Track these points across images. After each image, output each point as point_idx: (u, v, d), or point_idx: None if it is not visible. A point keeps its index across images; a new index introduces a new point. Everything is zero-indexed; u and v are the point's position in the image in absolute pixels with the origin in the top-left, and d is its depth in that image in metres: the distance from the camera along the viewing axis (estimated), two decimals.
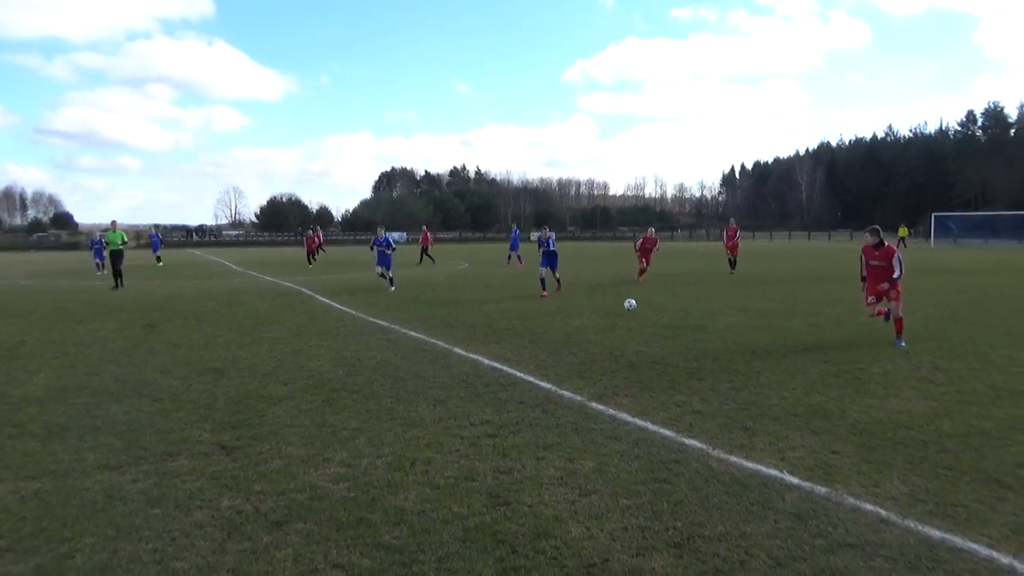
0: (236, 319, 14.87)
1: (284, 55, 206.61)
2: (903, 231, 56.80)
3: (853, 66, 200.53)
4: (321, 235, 44.19)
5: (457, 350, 10.72)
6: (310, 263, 35.95)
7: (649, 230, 25.26)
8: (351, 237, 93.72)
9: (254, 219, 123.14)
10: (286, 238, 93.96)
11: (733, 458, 5.67)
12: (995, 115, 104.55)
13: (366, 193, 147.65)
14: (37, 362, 10.19)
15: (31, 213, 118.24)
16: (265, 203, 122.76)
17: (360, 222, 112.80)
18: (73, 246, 74.52)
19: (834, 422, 6.66)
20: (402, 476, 5.37)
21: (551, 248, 19.71)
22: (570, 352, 10.44)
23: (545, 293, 18.96)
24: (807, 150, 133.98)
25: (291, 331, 12.98)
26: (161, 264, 38.62)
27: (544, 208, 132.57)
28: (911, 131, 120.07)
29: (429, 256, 36.37)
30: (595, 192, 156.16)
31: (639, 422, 6.73)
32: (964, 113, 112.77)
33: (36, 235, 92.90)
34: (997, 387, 7.93)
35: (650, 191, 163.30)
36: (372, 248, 21.73)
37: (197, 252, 65.11)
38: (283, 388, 8.33)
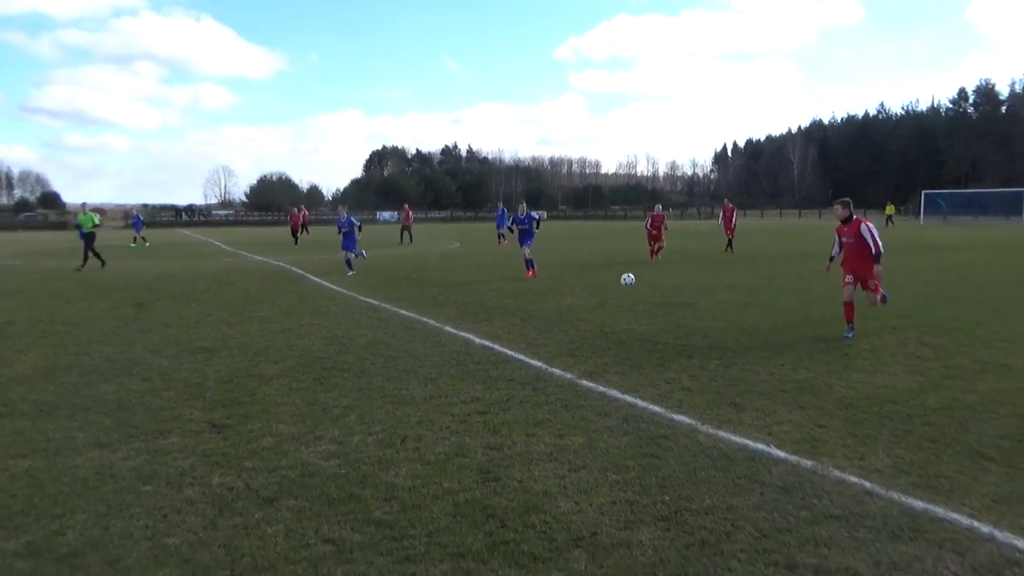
0: (226, 299, 14.83)
1: (273, 32, 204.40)
2: (890, 209, 56.85)
3: (846, 43, 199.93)
4: (307, 214, 43.85)
5: (448, 328, 10.74)
6: (295, 242, 35.76)
7: (656, 207, 24.69)
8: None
9: (244, 199, 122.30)
10: (276, 218, 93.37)
11: (721, 433, 5.73)
12: (986, 92, 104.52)
13: (357, 172, 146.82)
14: (25, 341, 10.16)
15: (18, 192, 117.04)
16: (255, 182, 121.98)
17: (351, 201, 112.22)
18: (61, 226, 73.88)
19: (821, 397, 6.73)
20: (393, 453, 5.40)
21: (527, 226, 18.87)
22: (561, 330, 10.48)
23: (530, 273, 18.31)
24: (799, 128, 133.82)
25: (282, 310, 12.96)
26: (145, 244, 38.05)
27: (536, 187, 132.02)
28: (903, 108, 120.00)
29: (409, 235, 36.32)
30: (587, 170, 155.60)
31: (629, 398, 6.78)
32: (956, 90, 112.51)
33: (23, 215, 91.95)
34: (983, 362, 8.02)
35: (642, 169, 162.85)
36: (339, 231, 20.30)
37: (186, 232, 64.73)
38: (274, 367, 8.34)
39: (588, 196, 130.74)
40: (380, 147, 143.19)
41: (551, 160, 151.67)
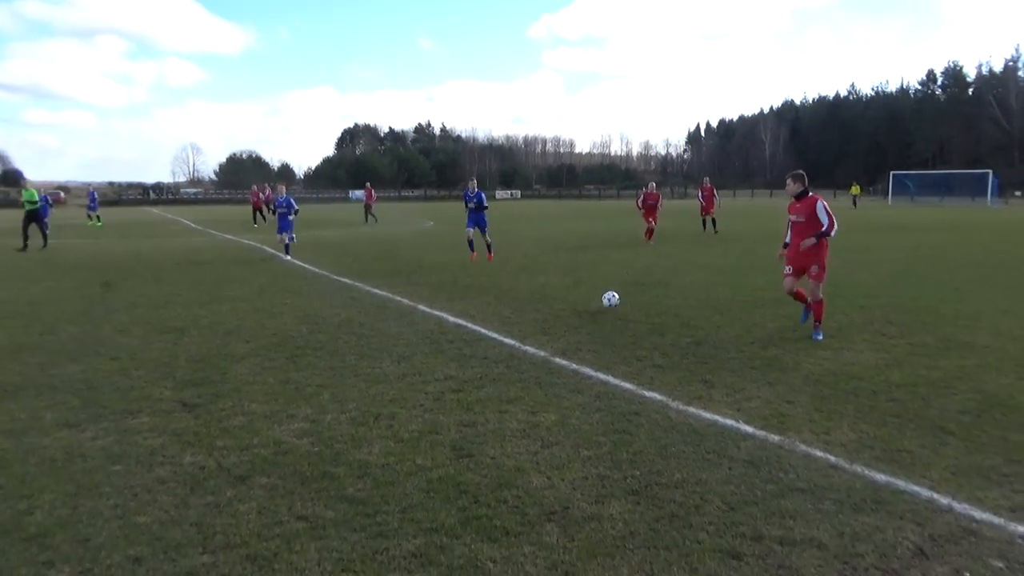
0: (196, 278, 14.64)
1: (242, 7, 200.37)
2: (855, 189, 57.52)
3: (818, 23, 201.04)
4: (270, 194, 42.78)
5: (422, 307, 10.73)
6: (255, 222, 34.14)
7: (650, 185, 23.47)
8: (314, 195, 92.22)
9: (213, 176, 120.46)
10: (246, 196, 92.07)
11: (691, 409, 5.82)
12: (954, 75, 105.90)
13: (329, 150, 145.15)
14: None
15: None
16: (224, 160, 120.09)
17: (323, 180, 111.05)
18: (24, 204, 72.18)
19: (789, 374, 6.85)
20: (366, 431, 5.41)
21: (480, 204, 17.23)
22: (534, 309, 10.52)
23: (475, 256, 17.05)
24: (771, 108, 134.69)
25: (253, 289, 12.83)
26: (98, 224, 36.89)
27: (510, 166, 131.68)
28: (873, 90, 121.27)
29: (372, 215, 35.92)
30: (561, 150, 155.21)
31: (601, 376, 6.84)
32: (924, 72, 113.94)
33: None
34: (946, 339, 8.21)
35: (616, 149, 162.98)
36: (273, 212, 18.95)
37: (154, 210, 63.65)
38: (245, 346, 8.27)
39: (562, 175, 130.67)
40: (352, 125, 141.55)
41: (525, 139, 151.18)
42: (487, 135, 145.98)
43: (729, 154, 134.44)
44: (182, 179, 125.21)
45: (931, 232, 26.51)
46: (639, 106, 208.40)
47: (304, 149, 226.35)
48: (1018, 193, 68.76)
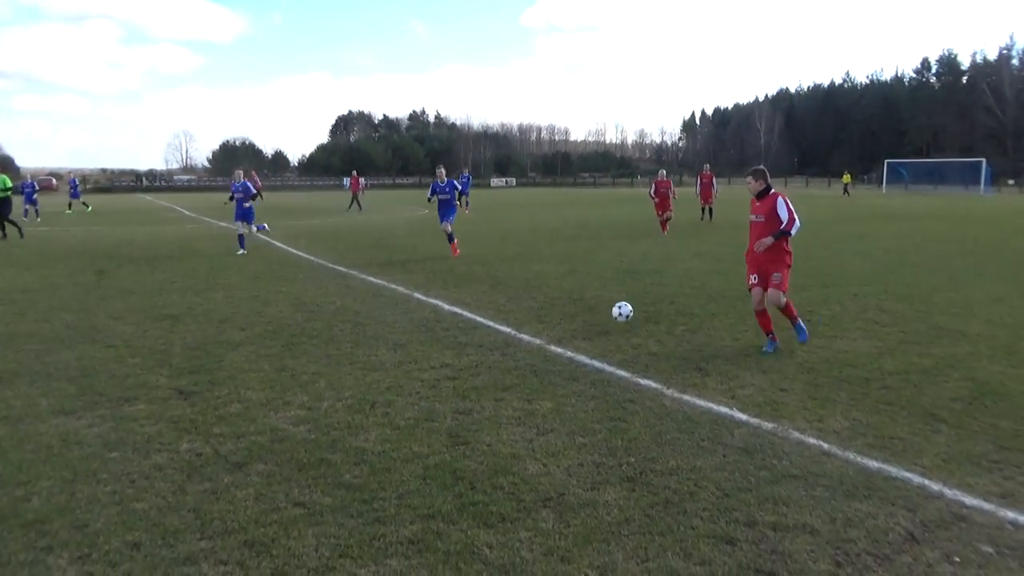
0: (190, 265, 14.61)
1: None
2: (847, 177, 57.68)
3: (814, 11, 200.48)
4: (256, 179, 42.67)
5: (417, 295, 10.73)
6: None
7: (660, 172, 22.11)
8: (308, 183, 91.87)
9: (206, 164, 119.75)
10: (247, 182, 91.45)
11: (686, 397, 5.85)
12: (949, 63, 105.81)
13: (323, 137, 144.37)
14: None
15: None
16: (217, 147, 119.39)
17: (317, 167, 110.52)
18: (17, 191, 71.83)
19: (783, 362, 6.89)
20: (362, 418, 5.43)
21: (448, 195, 15.76)
22: (529, 297, 10.53)
23: (457, 252, 15.61)
24: (766, 96, 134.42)
25: (248, 277, 12.81)
26: (84, 208, 36.90)
27: (504, 153, 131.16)
28: (868, 78, 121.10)
29: (358, 202, 35.82)
30: (556, 137, 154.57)
31: (596, 364, 6.87)
32: (919, 60, 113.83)
33: None
34: (938, 327, 8.26)
35: (611, 137, 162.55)
36: (231, 198, 17.28)
37: (148, 197, 63.32)
38: (241, 334, 8.27)
39: (557, 163, 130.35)
40: (346, 112, 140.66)
41: (520, 127, 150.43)
42: (482, 122, 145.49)
43: (724, 142, 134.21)
44: (175, 166, 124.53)
45: (924, 221, 26.59)
46: (634, 94, 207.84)
47: (298, 136, 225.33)
48: (1011, 182, 68.92)
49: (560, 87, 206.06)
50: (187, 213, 35.90)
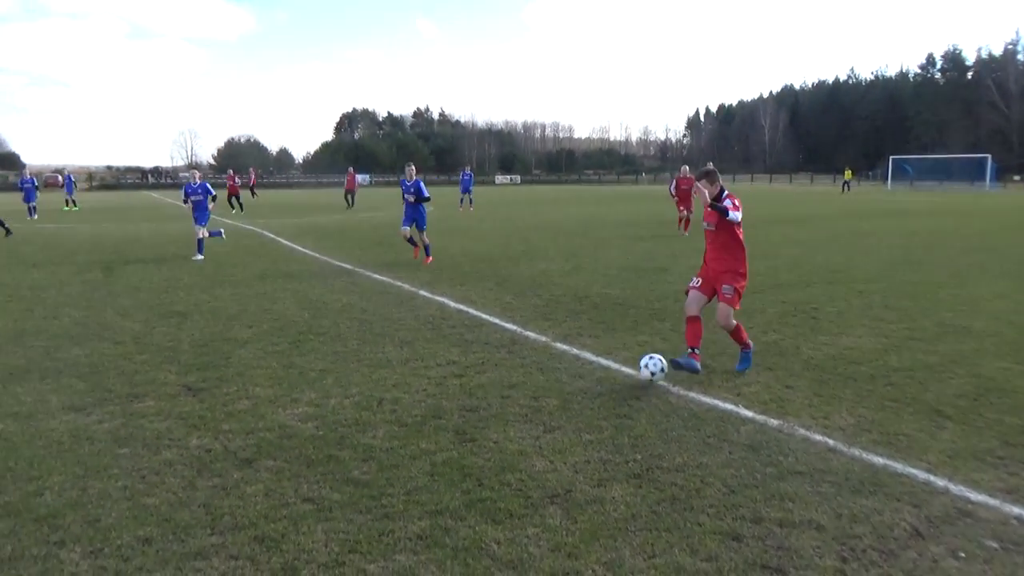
0: (197, 263, 14.66)
1: None
2: (848, 174, 57.71)
3: (818, 8, 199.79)
4: (254, 176, 43.41)
5: (423, 292, 10.76)
6: (232, 207, 33.21)
7: (683, 169, 20.91)
8: (312, 180, 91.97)
9: (211, 161, 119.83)
10: (245, 181, 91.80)
11: (692, 394, 5.87)
12: (954, 59, 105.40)
13: (327, 135, 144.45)
14: None
15: None
16: (223, 144, 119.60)
17: (321, 165, 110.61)
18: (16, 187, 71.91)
19: (789, 359, 6.90)
20: (370, 415, 5.46)
21: (418, 195, 14.02)
22: (535, 294, 10.55)
23: (417, 252, 14.56)
24: (771, 93, 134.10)
25: (254, 274, 12.86)
26: (75, 208, 36.90)
27: (509, 151, 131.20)
28: (872, 74, 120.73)
29: (352, 199, 35.76)
30: (560, 135, 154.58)
31: (602, 361, 6.90)
32: (924, 56, 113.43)
33: None
34: (943, 324, 8.27)
35: (615, 134, 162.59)
36: (185, 200, 16.00)
37: (154, 195, 63.39)
38: (248, 331, 8.31)
39: (562, 161, 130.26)
40: (351, 110, 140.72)
41: (524, 124, 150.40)
42: (486, 120, 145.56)
43: (728, 139, 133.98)
44: (180, 163, 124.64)
45: (930, 217, 26.53)
46: (638, 91, 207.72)
47: (303, 134, 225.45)
48: (1016, 177, 68.73)
49: (564, 84, 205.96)
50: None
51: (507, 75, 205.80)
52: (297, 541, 3.63)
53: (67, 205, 36.84)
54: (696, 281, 6.57)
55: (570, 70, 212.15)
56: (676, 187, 20.38)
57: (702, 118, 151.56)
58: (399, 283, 11.65)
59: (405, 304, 9.89)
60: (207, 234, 15.91)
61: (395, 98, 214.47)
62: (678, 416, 5.37)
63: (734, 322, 6.40)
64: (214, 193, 16.30)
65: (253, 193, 45.89)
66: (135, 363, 6.97)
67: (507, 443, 4.89)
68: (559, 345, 7.52)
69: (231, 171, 39.05)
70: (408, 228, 14.35)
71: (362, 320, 8.85)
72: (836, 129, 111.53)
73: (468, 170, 38.16)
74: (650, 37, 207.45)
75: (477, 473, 4.41)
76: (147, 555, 3.52)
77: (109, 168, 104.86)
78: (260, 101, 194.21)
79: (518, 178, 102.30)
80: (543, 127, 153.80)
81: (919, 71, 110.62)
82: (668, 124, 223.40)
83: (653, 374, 6.09)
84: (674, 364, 6.19)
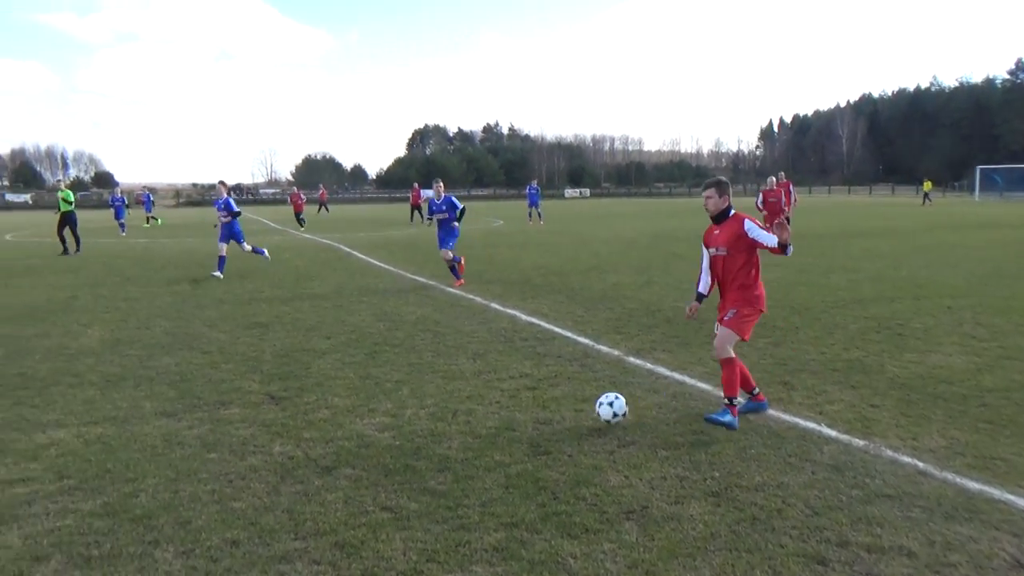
0: (278, 275, 15.17)
1: (316, 11, 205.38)
2: (927, 185, 55.30)
3: (897, 13, 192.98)
4: (323, 192, 45.08)
5: (494, 305, 10.85)
6: (303, 223, 33.67)
7: (770, 180, 18.87)
8: (386, 195, 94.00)
9: (290, 177, 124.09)
10: (314, 197, 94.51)
11: (771, 412, 5.72)
12: None
13: (400, 151, 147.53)
14: (89, 316, 10.56)
15: (72, 172, 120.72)
16: (300, 161, 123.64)
17: (394, 180, 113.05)
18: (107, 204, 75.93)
19: (873, 377, 6.65)
20: (445, 426, 5.53)
21: (444, 213, 13.18)
22: (607, 308, 10.49)
23: (461, 281, 13.13)
24: (848, 102, 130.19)
25: (331, 287, 13.22)
26: (157, 223, 38.61)
27: (578, 164, 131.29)
28: (957, 81, 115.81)
29: (420, 214, 36.13)
30: (630, 148, 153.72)
31: (677, 376, 6.80)
32: (1013, 62, 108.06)
33: (79, 193, 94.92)
34: None
35: (686, 147, 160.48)
36: (221, 218, 15.42)
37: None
38: (326, 342, 8.54)
39: (631, 173, 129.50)
40: (422, 126, 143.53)
41: (593, 137, 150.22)
42: (555, 134, 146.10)
43: (804, 149, 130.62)
44: (261, 180, 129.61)
45: (1021, 229, 25.18)
46: (710, 102, 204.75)
47: (376, 150, 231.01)
48: None
49: (634, 97, 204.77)
50: (272, 225, 37.25)
51: (576, 88, 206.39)
52: (376, 548, 3.70)
53: (147, 222, 38.72)
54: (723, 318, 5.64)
55: (640, 82, 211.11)
56: (763, 200, 18.89)
57: (775, 129, 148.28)
58: (470, 296, 11.78)
59: (477, 317, 9.99)
60: (258, 251, 15.88)
61: (465, 113, 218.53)
62: (757, 434, 5.24)
63: (731, 352, 5.42)
64: (237, 210, 15.46)
65: (325, 208, 47.64)
66: (221, 372, 7.25)
67: (581, 457, 4.87)
68: (632, 359, 7.45)
69: (295, 189, 40.44)
70: (447, 250, 13.19)
71: (435, 332, 8.97)
72: (918, 138, 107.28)
73: (535, 184, 38.33)
74: (722, 47, 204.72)
75: (552, 486, 4.41)
76: (235, 557, 3.65)
77: (195, 185, 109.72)
78: (336, 119, 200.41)
79: (587, 191, 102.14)
80: (612, 140, 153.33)
81: (1007, 77, 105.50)
82: (740, 135, 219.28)
83: (615, 415, 5.33)
84: (743, 410, 5.55)
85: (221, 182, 16.07)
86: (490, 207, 59.80)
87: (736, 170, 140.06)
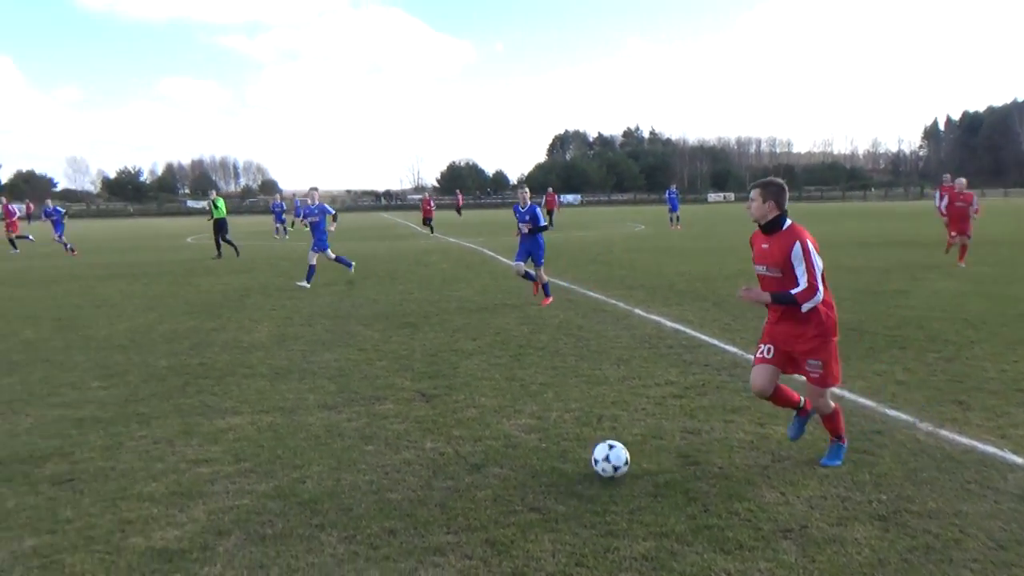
0: (425, 278, 15.77)
1: (461, 23, 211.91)
2: None
3: None
4: (460, 198, 46.59)
5: (638, 311, 10.72)
6: (432, 230, 34.23)
7: (958, 182, 16.75)
8: None
9: (435, 183, 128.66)
10: (465, 201, 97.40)
11: (944, 432, 5.29)
12: None
13: (540, 157, 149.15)
14: (259, 314, 11.45)
15: (242, 181, 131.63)
16: (445, 168, 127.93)
17: (535, 185, 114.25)
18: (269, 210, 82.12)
19: None
20: (590, 431, 5.53)
21: (528, 222, 11.82)
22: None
23: (537, 292, 12.03)
24: None
25: (476, 290, 13.57)
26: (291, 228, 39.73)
27: (723, 168, 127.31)
28: None
29: (550, 219, 36.02)
30: (777, 150, 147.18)
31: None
32: None
33: (248, 200, 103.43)
34: None
35: (839, 148, 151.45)
36: (302, 221, 14.30)
37: (385, 215, 69.29)
38: (472, 343, 8.77)
39: (779, 177, 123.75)
40: (562, 131, 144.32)
41: (738, 140, 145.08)
42: (698, 137, 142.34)
43: (974, 149, 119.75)
44: (408, 186, 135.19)
45: None
46: (865, 100, 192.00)
47: (517, 156, 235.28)
48: None
49: (781, 97, 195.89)
50: (419, 229, 38.76)
51: (719, 90, 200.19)
52: (526, 548, 3.75)
53: (291, 226, 41.24)
54: (765, 350, 4.91)
55: (787, 81, 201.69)
56: (949, 203, 16.63)
57: (941, 127, 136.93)
58: (614, 301, 11.70)
59: (621, 322, 9.90)
60: (342, 260, 15.66)
61: (605, 118, 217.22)
62: (929, 456, 4.85)
63: (832, 405, 4.81)
64: (332, 211, 15.15)
65: (458, 212, 49.71)
66: (375, 368, 7.63)
67: (733, 470, 4.71)
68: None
69: (426, 195, 41.81)
70: (523, 263, 11.95)
71: (579, 336, 8.99)
72: None
73: (673, 188, 37.56)
74: (878, 40, 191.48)
75: (702, 498, 4.29)
76: (392, 546, 3.82)
77: (348, 192, 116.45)
78: (479, 126, 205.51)
79: (732, 196, 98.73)
80: (758, 142, 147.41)
81: None
82: (901, 135, 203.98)
83: (616, 468, 4.55)
84: (793, 433, 5.01)
85: (315, 188, 15.63)
86: (631, 212, 59.17)
87: (896, 172, 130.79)
